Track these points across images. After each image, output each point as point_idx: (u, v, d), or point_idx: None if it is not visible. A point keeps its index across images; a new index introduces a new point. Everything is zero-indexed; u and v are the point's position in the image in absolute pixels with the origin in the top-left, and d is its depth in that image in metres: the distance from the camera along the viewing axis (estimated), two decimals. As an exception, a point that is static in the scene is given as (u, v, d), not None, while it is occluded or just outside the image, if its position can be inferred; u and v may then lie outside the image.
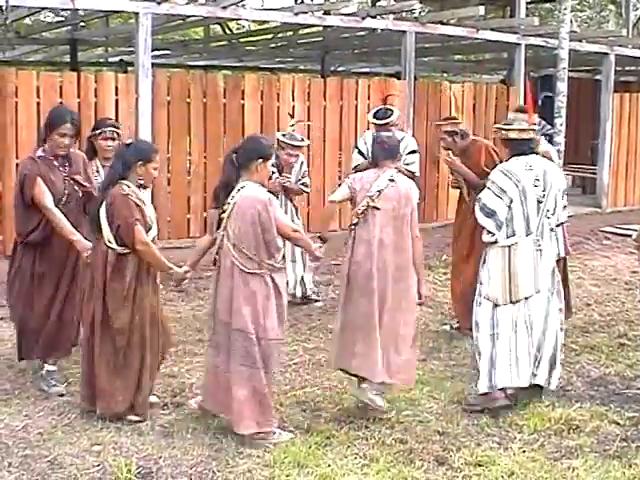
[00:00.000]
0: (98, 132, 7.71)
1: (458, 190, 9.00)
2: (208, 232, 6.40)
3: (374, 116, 9.25)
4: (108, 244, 6.13)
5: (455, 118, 9.05)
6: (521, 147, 6.84)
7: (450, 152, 8.80)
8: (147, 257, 6.15)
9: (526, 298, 6.58)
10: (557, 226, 6.98)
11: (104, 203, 6.14)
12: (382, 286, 6.36)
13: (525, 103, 8.99)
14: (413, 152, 9.31)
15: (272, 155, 6.23)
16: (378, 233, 6.39)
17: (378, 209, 6.40)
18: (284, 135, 9.40)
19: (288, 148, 9.23)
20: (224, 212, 5.93)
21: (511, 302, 6.58)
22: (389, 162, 6.66)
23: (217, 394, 6.01)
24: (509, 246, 6.59)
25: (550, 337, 6.67)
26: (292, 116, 9.46)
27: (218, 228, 6.04)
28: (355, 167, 9.38)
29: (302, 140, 9.62)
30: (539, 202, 6.64)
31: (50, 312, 6.76)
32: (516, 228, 6.59)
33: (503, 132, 6.95)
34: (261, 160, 5.99)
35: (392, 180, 6.52)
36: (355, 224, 6.48)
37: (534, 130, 7.04)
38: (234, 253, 5.86)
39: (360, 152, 9.52)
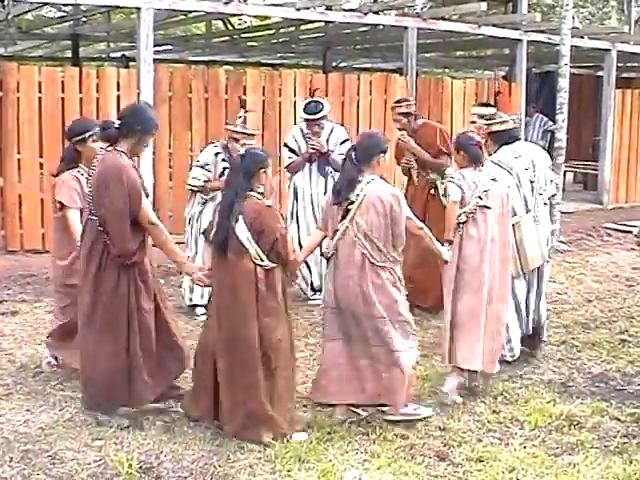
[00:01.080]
0: (89, 135, 6.83)
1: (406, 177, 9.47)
2: (322, 227, 6.37)
3: (305, 111, 9.27)
4: (256, 261, 5.79)
5: (408, 100, 9.54)
6: (504, 137, 7.48)
7: (404, 133, 9.15)
8: (293, 267, 6.16)
9: (538, 268, 7.43)
10: (549, 199, 7.72)
11: (240, 220, 5.79)
12: (490, 281, 6.70)
13: (496, 100, 9.20)
14: (345, 142, 9.33)
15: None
16: (490, 231, 6.70)
17: (489, 208, 6.71)
18: (236, 126, 8.82)
19: (243, 138, 8.67)
20: (351, 204, 6.03)
21: (523, 273, 7.31)
22: (482, 161, 7.01)
23: (354, 384, 6.10)
24: (513, 225, 7.09)
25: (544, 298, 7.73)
26: (243, 107, 9.31)
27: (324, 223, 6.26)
28: (287, 166, 9.48)
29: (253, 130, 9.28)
30: (531, 182, 7.35)
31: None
32: (517, 209, 7.19)
33: (486, 126, 7.56)
34: (382, 154, 6.25)
35: (494, 180, 6.84)
36: (463, 222, 6.71)
37: (514, 120, 7.74)
38: (365, 244, 6.00)
39: (291, 150, 9.49)
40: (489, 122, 7.59)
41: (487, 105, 8.71)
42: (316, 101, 9.37)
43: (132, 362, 5.95)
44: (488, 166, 7.03)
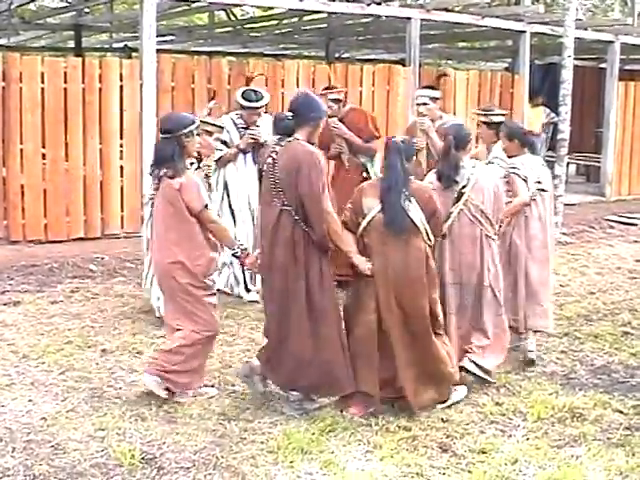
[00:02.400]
0: (195, 126, 6.40)
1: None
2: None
3: (245, 98, 8.99)
4: (427, 241, 6.27)
5: (337, 87, 9.79)
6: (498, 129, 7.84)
7: (335, 119, 9.30)
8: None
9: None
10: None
11: (412, 201, 6.15)
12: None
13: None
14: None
15: None
16: (548, 211, 7.66)
17: (546, 191, 7.61)
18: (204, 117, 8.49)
19: (212, 130, 8.44)
20: (463, 187, 6.68)
21: None
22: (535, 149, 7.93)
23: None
24: None
25: None
26: (213, 98, 9.21)
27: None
28: (219, 159, 8.87)
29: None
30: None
31: None
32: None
33: (487, 117, 7.85)
34: (470, 142, 6.98)
35: (543, 165, 7.76)
36: (527, 204, 7.42)
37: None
38: (482, 220, 6.73)
39: (223, 141, 8.98)
40: (491, 113, 7.88)
41: (432, 88, 9.32)
42: (254, 90, 9.18)
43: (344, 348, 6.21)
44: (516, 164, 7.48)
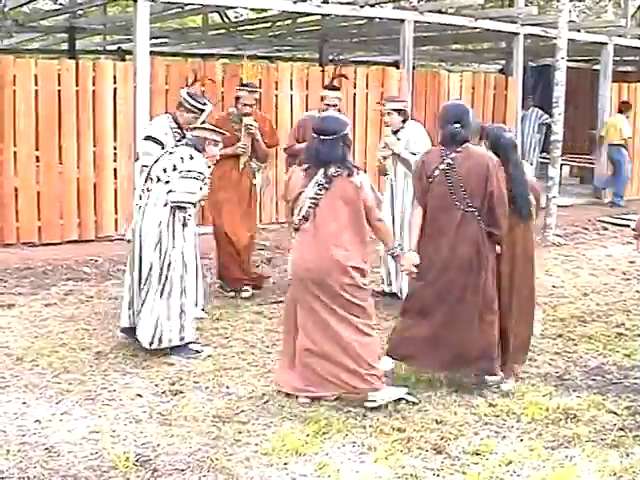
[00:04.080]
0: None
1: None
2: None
3: (198, 101, 8.33)
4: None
5: (255, 85, 9.67)
6: None
7: (251, 118, 9.28)
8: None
9: None
10: None
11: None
12: None
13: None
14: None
15: None
16: None
17: None
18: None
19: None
20: None
21: None
22: None
23: None
24: None
25: None
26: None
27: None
28: (144, 167, 7.89)
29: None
30: None
31: None
32: None
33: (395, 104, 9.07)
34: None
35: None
36: None
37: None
38: None
39: (160, 142, 8.22)
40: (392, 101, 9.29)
41: (336, 89, 9.53)
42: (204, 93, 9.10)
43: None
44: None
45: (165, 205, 7.27)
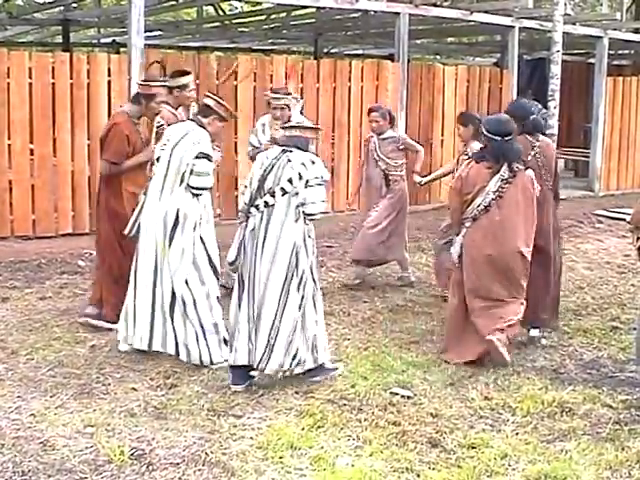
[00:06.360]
0: None
1: None
2: None
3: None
4: None
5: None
6: None
7: None
8: None
9: None
10: None
11: None
12: None
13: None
14: None
15: None
16: None
17: None
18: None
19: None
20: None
21: None
22: None
23: None
24: None
25: None
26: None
27: None
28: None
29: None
30: None
31: None
32: None
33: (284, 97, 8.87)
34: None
35: None
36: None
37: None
38: None
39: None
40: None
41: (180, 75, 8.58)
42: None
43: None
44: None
45: (296, 221, 6.44)
